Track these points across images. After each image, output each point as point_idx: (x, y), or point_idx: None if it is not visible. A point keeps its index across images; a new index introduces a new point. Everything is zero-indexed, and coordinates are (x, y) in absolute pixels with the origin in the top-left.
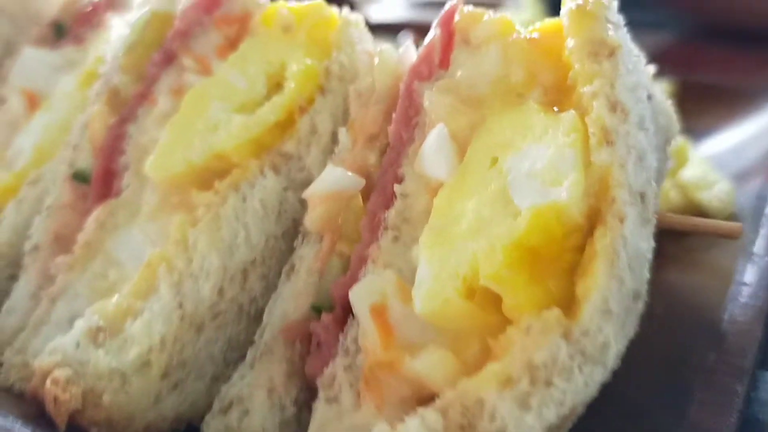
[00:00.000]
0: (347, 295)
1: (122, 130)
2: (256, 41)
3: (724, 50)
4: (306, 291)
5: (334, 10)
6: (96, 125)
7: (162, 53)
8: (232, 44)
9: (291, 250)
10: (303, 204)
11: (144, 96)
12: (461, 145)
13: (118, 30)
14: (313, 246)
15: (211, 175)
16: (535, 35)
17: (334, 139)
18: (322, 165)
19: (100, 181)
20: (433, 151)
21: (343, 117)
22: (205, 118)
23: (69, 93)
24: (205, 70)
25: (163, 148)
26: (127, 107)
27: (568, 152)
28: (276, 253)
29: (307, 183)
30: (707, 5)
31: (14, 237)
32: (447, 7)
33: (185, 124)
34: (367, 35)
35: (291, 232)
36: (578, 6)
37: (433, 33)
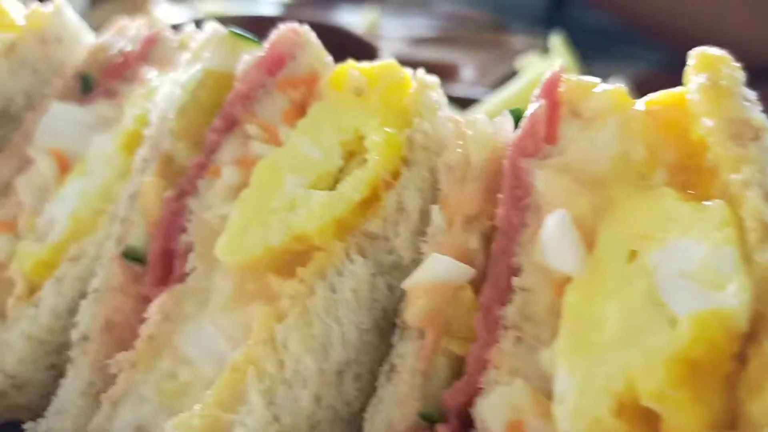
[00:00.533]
0: (465, 403)
1: (181, 204)
2: (327, 106)
3: None
4: (411, 396)
5: (407, 71)
6: (150, 197)
7: (222, 119)
8: (299, 109)
9: (383, 344)
10: (392, 290)
11: (204, 166)
12: (585, 233)
13: (159, 86)
14: (415, 343)
15: (290, 258)
16: (654, 108)
17: (422, 217)
18: (412, 247)
19: (158, 262)
20: (555, 241)
21: (432, 193)
22: (280, 193)
23: (107, 156)
24: (273, 138)
25: (236, 229)
26: (184, 178)
27: (726, 250)
28: (368, 348)
29: (396, 267)
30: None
31: (55, 322)
32: (549, 75)
33: (258, 200)
34: (444, 99)
35: (381, 323)
36: (712, 82)
37: (536, 104)
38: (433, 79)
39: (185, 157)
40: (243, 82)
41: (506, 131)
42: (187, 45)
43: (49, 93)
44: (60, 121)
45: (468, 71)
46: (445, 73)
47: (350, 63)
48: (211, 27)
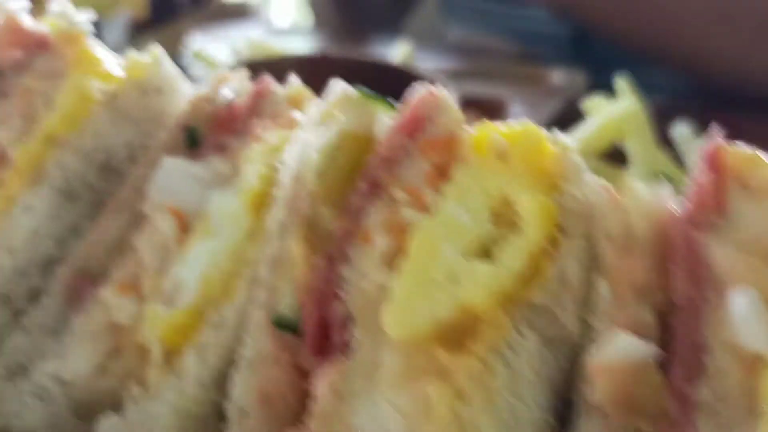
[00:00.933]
0: None
1: (333, 271)
2: (471, 170)
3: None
4: None
5: (545, 134)
6: (297, 264)
7: (366, 183)
8: (440, 172)
9: (557, 422)
10: (562, 365)
11: (352, 232)
12: None
13: (278, 144)
14: (599, 422)
15: (455, 331)
16: None
17: (585, 288)
18: (579, 319)
19: (314, 332)
20: (747, 319)
21: (590, 263)
22: (440, 263)
23: (233, 216)
24: (419, 203)
25: (400, 301)
26: (333, 244)
27: None
28: (543, 426)
29: (564, 341)
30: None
31: (202, 393)
32: (710, 145)
33: (418, 271)
34: (583, 161)
35: (553, 400)
36: None
37: (702, 175)
38: (572, 142)
39: (328, 221)
40: (385, 146)
41: (667, 200)
42: (297, 100)
43: (151, 145)
44: (174, 176)
45: (517, 108)
46: (494, 109)
47: (491, 125)
48: (340, 87)
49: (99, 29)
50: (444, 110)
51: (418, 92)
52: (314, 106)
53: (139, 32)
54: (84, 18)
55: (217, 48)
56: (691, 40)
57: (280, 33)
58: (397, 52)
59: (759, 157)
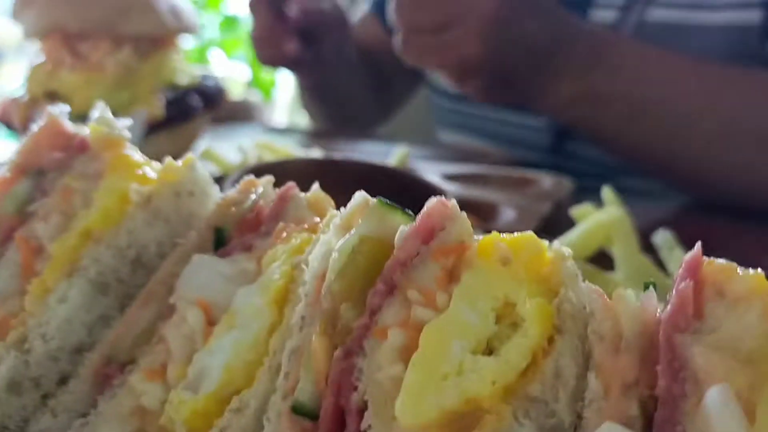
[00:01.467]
0: None
1: (350, 363)
2: (478, 275)
3: (728, 226)
4: None
5: (543, 242)
6: (318, 355)
7: (384, 283)
8: (450, 276)
9: None
10: None
11: (369, 327)
12: (745, 405)
13: (300, 244)
14: None
15: (461, 419)
16: None
17: (576, 381)
18: (570, 410)
19: (331, 419)
20: (720, 413)
21: (583, 359)
22: (449, 358)
23: (256, 309)
24: (431, 303)
25: (412, 392)
26: (351, 338)
27: None
28: None
29: (556, 429)
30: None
31: None
32: (690, 256)
33: (429, 365)
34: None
35: None
36: None
37: (683, 283)
38: (567, 251)
39: (347, 317)
40: (401, 251)
41: (652, 305)
42: (317, 205)
43: (181, 243)
44: (203, 272)
45: (508, 211)
46: (487, 212)
47: (495, 234)
48: (361, 196)
49: None
50: (454, 220)
51: (431, 203)
52: (337, 212)
53: (154, 131)
54: (123, 124)
55: (224, 147)
56: (693, 160)
57: (280, 132)
58: (394, 154)
59: (733, 268)
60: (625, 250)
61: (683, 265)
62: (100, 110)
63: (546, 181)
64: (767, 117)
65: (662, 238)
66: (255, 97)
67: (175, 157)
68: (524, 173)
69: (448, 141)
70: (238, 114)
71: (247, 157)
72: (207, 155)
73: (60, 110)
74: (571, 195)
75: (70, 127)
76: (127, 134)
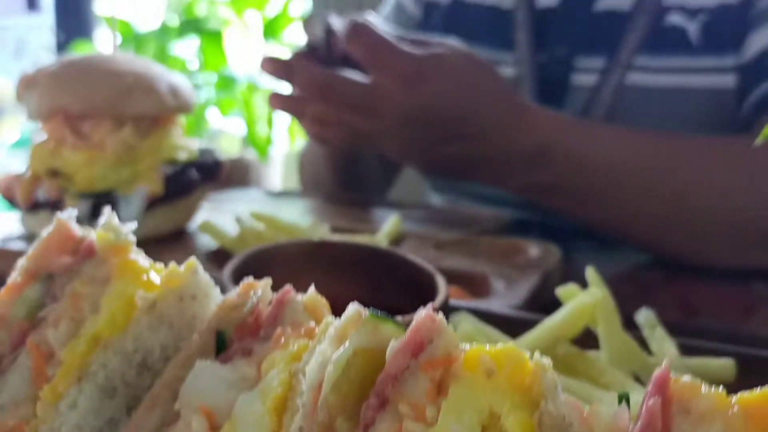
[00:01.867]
0: None
1: None
2: (464, 387)
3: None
4: None
5: (525, 354)
6: None
7: (376, 397)
8: (438, 388)
9: None
10: None
11: None
12: None
13: (297, 351)
14: None
15: None
16: (748, 409)
17: None
18: None
19: None
20: None
21: None
22: None
23: (256, 417)
24: (420, 416)
25: None
26: None
27: None
28: None
29: None
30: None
31: None
32: (658, 373)
33: None
34: (558, 380)
35: None
36: None
37: (651, 400)
38: (548, 362)
39: (343, 429)
40: (392, 365)
41: (624, 420)
42: (313, 308)
43: (184, 347)
44: (205, 379)
45: (498, 283)
46: (478, 285)
47: (480, 347)
48: (353, 309)
49: (116, 203)
50: (442, 333)
51: (419, 317)
52: (332, 320)
53: (154, 206)
54: (129, 230)
55: (222, 217)
56: (647, 233)
57: (276, 196)
58: (387, 223)
59: (698, 386)
60: (608, 330)
61: (652, 381)
62: (106, 216)
63: (533, 249)
64: (726, 186)
65: (644, 317)
66: (251, 155)
67: (175, 231)
68: (512, 241)
69: (440, 204)
70: (235, 174)
71: (244, 229)
72: (205, 228)
73: (68, 215)
74: (559, 263)
75: (78, 230)
76: (133, 239)
